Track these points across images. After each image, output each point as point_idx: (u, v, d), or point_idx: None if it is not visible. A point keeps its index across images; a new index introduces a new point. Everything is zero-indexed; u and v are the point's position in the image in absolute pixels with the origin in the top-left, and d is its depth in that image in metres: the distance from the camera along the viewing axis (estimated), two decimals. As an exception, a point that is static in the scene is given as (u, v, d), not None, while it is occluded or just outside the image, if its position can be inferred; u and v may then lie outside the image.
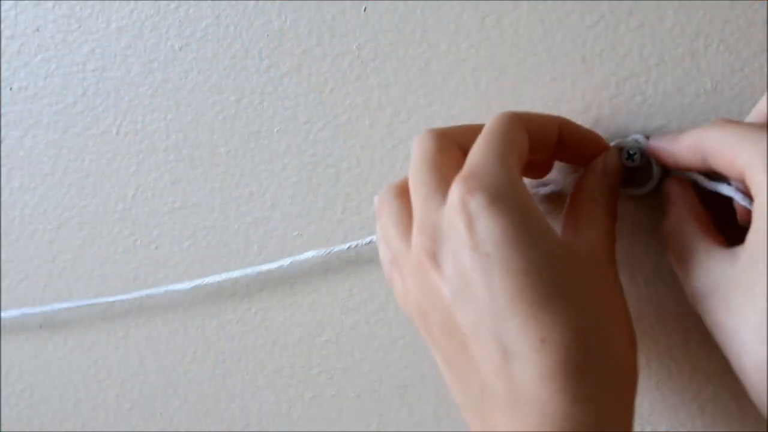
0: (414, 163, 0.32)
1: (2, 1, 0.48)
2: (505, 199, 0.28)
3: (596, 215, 0.32)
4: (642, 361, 0.37)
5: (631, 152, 0.34)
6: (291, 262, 0.44)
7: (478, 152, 0.30)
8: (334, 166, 0.42)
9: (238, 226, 0.45)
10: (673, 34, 0.34)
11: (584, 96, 0.36)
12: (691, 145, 0.30)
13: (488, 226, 0.28)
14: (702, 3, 0.33)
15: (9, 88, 0.49)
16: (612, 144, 0.35)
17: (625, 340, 0.30)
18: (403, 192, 0.34)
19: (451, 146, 0.32)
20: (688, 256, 0.30)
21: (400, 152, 0.40)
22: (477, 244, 0.28)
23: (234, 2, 0.42)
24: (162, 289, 0.47)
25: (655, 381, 0.37)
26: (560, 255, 0.29)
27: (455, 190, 0.29)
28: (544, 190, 0.37)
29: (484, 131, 0.31)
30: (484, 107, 0.38)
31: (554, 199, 0.38)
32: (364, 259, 0.43)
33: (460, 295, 0.29)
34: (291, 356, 0.46)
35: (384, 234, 0.33)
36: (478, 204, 0.28)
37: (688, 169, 0.32)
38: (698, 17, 0.33)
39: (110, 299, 0.49)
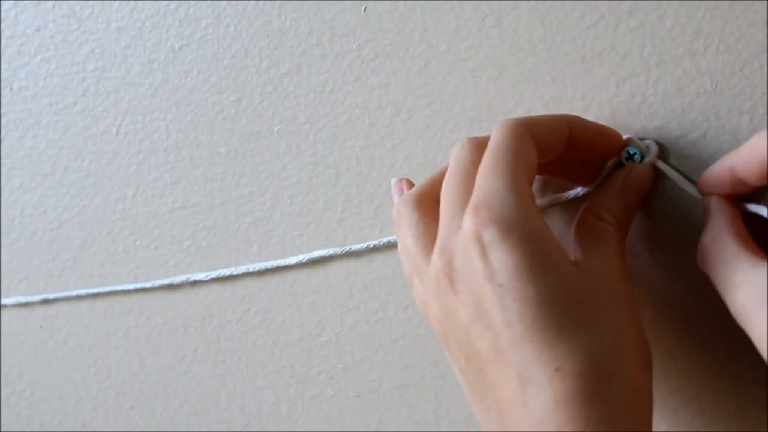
0: (448, 174, 0.32)
1: (2, 1, 0.48)
2: (518, 228, 0.29)
3: (606, 234, 0.32)
4: (642, 361, 0.37)
5: (631, 152, 0.34)
6: (294, 261, 0.44)
7: (487, 176, 0.30)
8: (334, 166, 0.42)
9: (238, 226, 0.45)
10: (673, 34, 0.34)
11: (584, 96, 0.36)
12: (751, 146, 0.29)
13: (501, 258, 0.28)
14: (702, 3, 0.33)
15: (9, 88, 0.49)
16: (624, 138, 0.35)
17: (639, 363, 0.30)
18: (422, 203, 0.34)
19: None
20: (731, 272, 0.30)
21: (400, 152, 0.40)
22: (491, 274, 0.29)
23: (234, 2, 0.42)
24: (171, 280, 0.47)
25: (655, 381, 0.37)
26: (573, 283, 0.29)
27: (468, 220, 0.29)
28: (571, 194, 0.37)
29: (491, 147, 0.31)
30: (484, 107, 0.38)
31: (580, 202, 0.37)
32: (365, 260, 0.43)
33: (477, 322, 0.29)
34: (291, 356, 0.46)
35: (403, 246, 0.34)
36: (490, 236, 0.29)
37: (744, 183, 0.31)
38: (698, 17, 0.33)
39: (107, 288, 0.49)
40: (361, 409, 0.45)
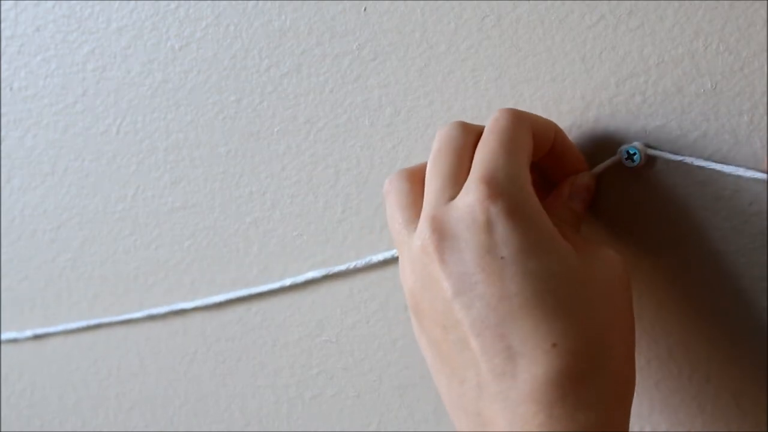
0: (436, 149, 0.33)
1: (2, 1, 0.48)
2: (525, 208, 0.29)
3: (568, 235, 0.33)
4: (642, 361, 0.37)
5: (631, 152, 0.34)
6: (288, 284, 0.44)
7: (495, 154, 0.31)
8: (334, 166, 0.42)
9: (238, 226, 0.45)
10: (673, 34, 0.34)
11: (584, 96, 0.36)
12: None
13: (507, 233, 0.29)
14: (702, 3, 0.33)
15: (9, 88, 0.49)
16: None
17: (626, 350, 0.30)
18: (413, 177, 0.34)
19: (476, 142, 0.33)
20: None
21: (400, 152, 0.40)
22: (494, 247, 0.29)
23: (234, 2, 0.42)
24: (164, 308, 0.47)
25: (655, 381, 0.37)
26: (573, 264, 0.29)
27: (476, 191, 0.29)
28: None
29: (497, 129, 0.32)
30: (484, 107, 0.38)
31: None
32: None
33: (465, 293, 0.29)
34: (291, 356, 0.46)
35: (390, 214, 0.34)
36: (498, 209, 0.29)
37: None
38: (698, 17, 0.33)
39: (111, 319, 0.49)
40: (361, 409, 0.45)
